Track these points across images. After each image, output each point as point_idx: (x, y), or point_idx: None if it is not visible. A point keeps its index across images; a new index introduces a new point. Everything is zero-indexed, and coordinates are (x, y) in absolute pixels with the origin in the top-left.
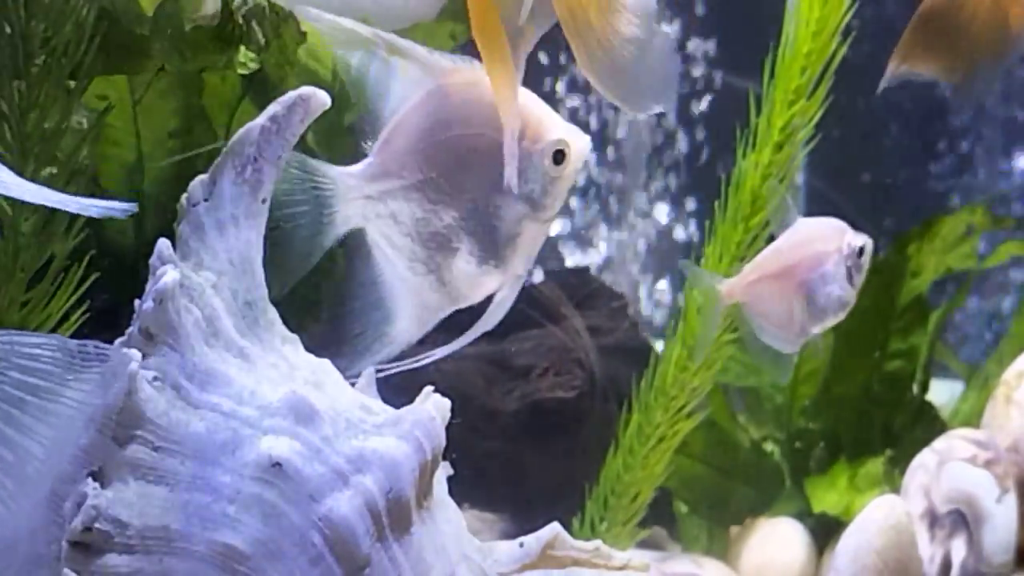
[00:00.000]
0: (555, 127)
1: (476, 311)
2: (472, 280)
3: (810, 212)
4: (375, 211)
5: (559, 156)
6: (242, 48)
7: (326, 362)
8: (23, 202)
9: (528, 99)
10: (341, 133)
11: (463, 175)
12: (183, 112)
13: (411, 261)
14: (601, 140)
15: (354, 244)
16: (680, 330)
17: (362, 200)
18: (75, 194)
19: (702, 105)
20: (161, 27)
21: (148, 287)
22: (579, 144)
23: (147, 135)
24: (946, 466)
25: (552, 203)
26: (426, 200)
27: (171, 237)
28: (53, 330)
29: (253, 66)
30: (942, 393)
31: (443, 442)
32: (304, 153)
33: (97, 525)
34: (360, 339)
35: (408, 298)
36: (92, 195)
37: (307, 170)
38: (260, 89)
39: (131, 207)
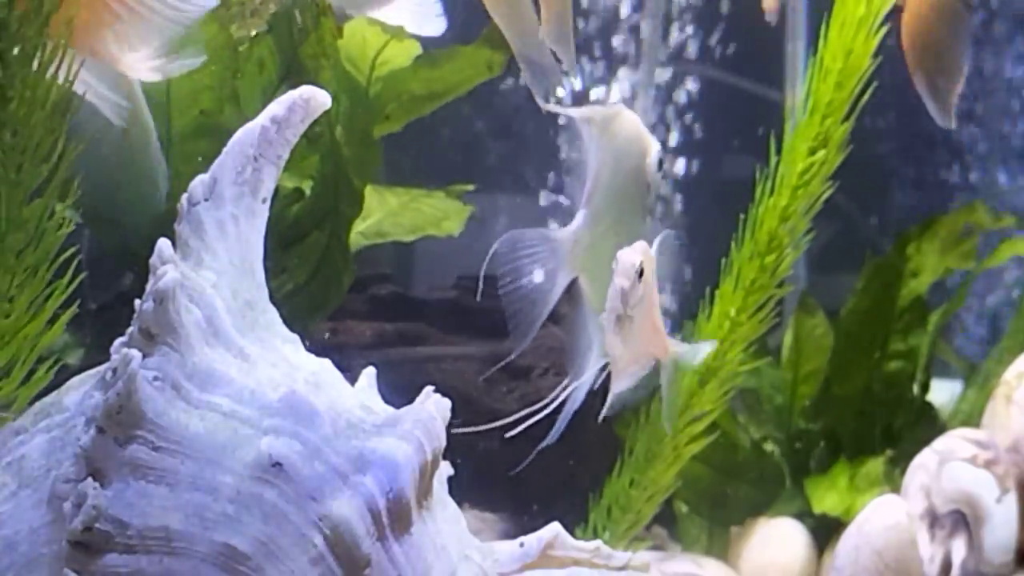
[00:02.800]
0: (651, 140)
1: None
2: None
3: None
4: (586, 258)
5: (660, 164)
6: None
7: (326, 362)
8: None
9: (632, 115)
10: (371, 145)
11: (627, 204)
12: (216, 90)
13: (602, 293)
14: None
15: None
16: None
17: (581, 250)
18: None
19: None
20: None
21: (148, 287)
22: (659, 149)
23: (178, 107)
24: (946, 466)
25: (655, 207)
26: (612, 235)
27: None
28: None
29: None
30: (942, 393)
31: (443, 442)
32: (335, 164)
33: (97, 525)
34: (577, 373)
35: (597, 326)
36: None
37: (546, 237)
38: (296, 79)
39: None
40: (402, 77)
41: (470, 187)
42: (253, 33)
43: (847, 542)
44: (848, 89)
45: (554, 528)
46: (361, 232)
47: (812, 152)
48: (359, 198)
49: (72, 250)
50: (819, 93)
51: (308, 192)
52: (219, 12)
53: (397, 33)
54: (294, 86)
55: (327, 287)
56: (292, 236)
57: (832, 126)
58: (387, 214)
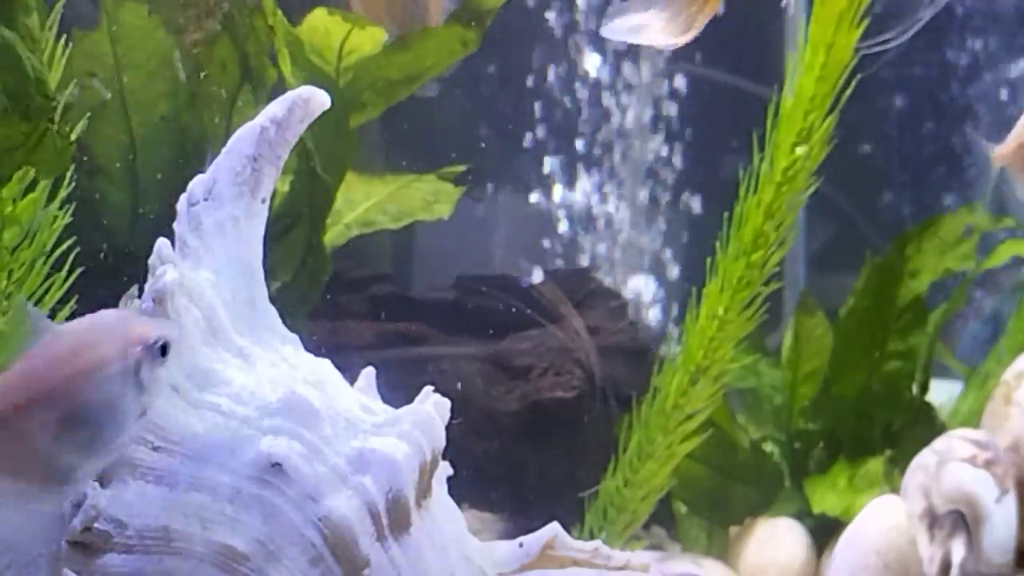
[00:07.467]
0: None
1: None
2: None
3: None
4: None
5: None
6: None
7: (326, 362)
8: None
9: None
10: (347, 135)
11: None
12: (172, 96)
13: None
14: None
15: None
16: (681, 358)
17: None
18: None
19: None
20: None
21: (148, 287)
22: None
23: (136, 116)
24: (946, 466)
25: None
26: None
27: (166, 220)
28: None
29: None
30: (941, 393)
31: (443, 442)
32: (304, 156)
33: (97, 525)
34: None
35: None
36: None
37: None
38: (257, 78)
39: None
40: (373, 64)
41: (461, 168)
42: (207, 34)
43: (846, 542)
44: (830, 83)
45: (553, 528)
46: (347, 224)
47: (794, 148)
48: (333, 193)
49: (68, 242)
50: (801, 88)
51: (287, 189)
52: (172, 18)
53: (358, 21)
54: (255, 85)
55: (311, 284)
56: (273, 234)
57: (815, 121)
58: (374, 204)
